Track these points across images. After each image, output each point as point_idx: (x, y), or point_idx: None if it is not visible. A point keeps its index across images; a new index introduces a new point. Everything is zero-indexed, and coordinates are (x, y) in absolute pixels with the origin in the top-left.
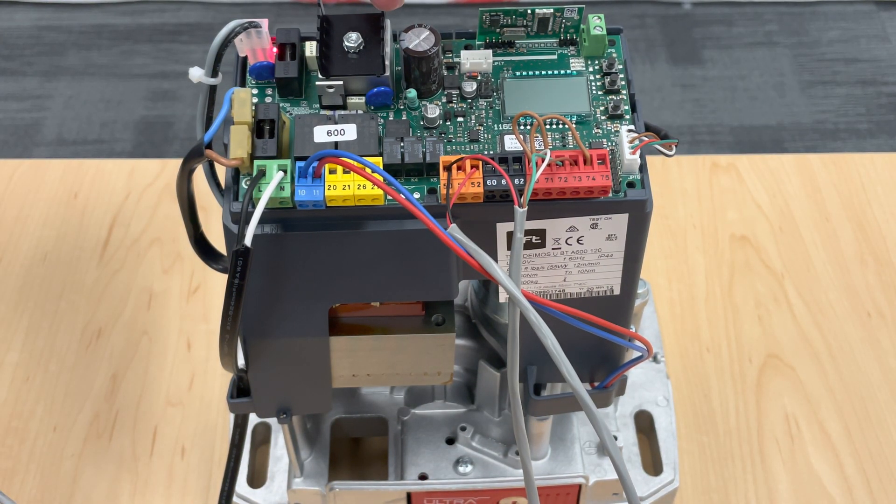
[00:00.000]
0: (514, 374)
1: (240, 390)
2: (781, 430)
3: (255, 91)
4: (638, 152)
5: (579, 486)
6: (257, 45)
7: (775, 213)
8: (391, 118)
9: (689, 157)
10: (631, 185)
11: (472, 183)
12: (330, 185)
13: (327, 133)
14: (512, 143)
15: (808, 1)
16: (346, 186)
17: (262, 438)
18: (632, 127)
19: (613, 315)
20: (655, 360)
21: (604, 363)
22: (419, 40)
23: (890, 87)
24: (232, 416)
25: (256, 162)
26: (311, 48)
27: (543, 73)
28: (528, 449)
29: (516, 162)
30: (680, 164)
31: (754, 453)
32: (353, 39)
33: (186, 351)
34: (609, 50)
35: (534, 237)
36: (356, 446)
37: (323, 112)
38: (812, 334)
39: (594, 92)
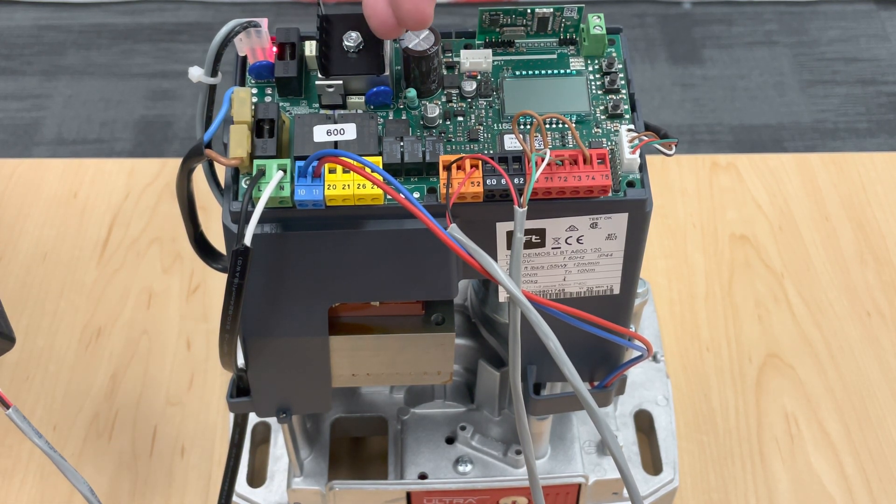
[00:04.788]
0: (515, 373)
1: (239, 390)
2: (781, 430)
3: (254, 90)
4: (638, 152)
5: (579, 486)
6: (257, 45)
7: (775, 212)
8: (391, 118)
9: (688, 157)
10: (631, 184)
11: (472, 182)
12: (329, 185)
13: (327, 132)
14: (512, 143)
15: (808, 0)
16: (345, 186)
17: (262, 438)
18: (631, 126)
19: (613, 314)
20: (655, 359)
21: (603, 363)
22: (419, 40)
23: (890, 86)
24: (232, 415)
25: (256, 161)
26: (310, 47)
27: (543, 72)
28: (531, 448)
29: (516, 161)
30: (680, 163)
31: (754, 453)
32: (352, 39)
33: (186, 351)
34: (609, 49)
35: (534, 237)
36: (356, 446)
37: (322, 111)
38: (812, 334)
39: (594, 91)
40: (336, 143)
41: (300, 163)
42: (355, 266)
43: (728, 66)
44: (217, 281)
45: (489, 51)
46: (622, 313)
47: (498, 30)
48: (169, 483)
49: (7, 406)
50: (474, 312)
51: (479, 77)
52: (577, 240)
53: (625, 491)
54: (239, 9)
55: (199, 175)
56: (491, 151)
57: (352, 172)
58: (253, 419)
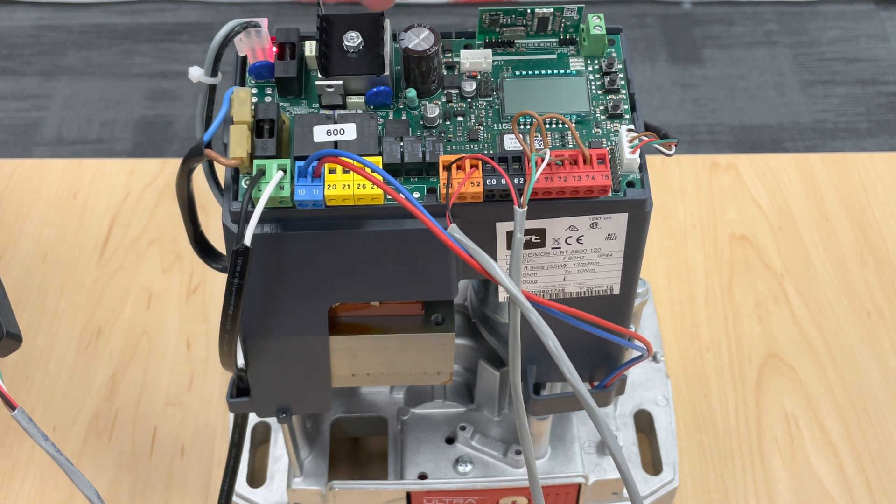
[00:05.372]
0: (516, 373)
1: (239, 390)
2: (781, 430)
3: (254, 90)
4: (637, 152)
5: (579, 486)
6: (257, 45)
7: (775, 212)
8: (391, 118)
9: (688, 157)
10: (630, 184)
11: (472, 182)
12: (329, 185)
13: (327, 132)
14: (512, 143)
15: (808, 0)
16: (345, 186)
17: (262, 438)
18: (631, 126)
19: (613, 315)
20: (655, 359)
21: (603, 363)
22: (419, 40)
23: (890, 86)
24: (232, 415)
25: (256, 161)
26: (310, 48)
27: (543, 72)
28: (531, 448)
29: (516, 161)
30: (680, 163)
31: (754, 453)
32: (352, 39)
33: (186, 351)
34: (609, 49)
35: (533, 237)
36: (356, 446)
37: (322, 111)
38: (812, 334)
39: (594, 91)
40: (336, 143)
41: (300, 163)
42: (355, 266)
43: (728, 66)
44: (217, 281)
45: (489, 51)
46: (622, 313)
47: (498, 30)
48: (169, 483)
49: (13, 407)
50: (474, 312)
51: (479, 77)
52: (577, 240)
53: (625, 491)
54: (239, 9)
55: (199, 175)
56: (491, 151)
57: (352, 172)
58: (253, 419)
